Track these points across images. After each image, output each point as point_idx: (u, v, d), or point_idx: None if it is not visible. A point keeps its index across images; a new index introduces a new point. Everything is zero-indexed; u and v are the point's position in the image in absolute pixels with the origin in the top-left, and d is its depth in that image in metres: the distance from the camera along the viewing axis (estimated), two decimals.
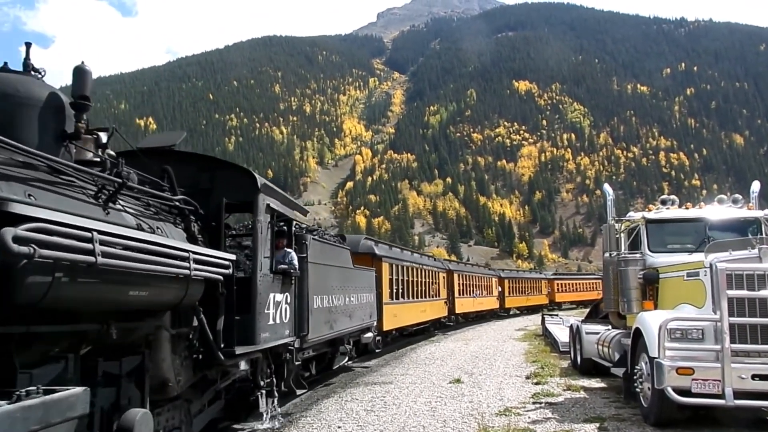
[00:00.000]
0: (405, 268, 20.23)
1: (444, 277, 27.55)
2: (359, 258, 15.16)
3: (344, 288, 12.35)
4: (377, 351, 16.55)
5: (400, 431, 7.66)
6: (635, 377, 8.20)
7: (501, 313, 41.10)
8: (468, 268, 35.65)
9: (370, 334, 15.05)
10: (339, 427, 8.00)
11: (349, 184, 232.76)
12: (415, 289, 21.36)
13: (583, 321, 14.04)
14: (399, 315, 19.00)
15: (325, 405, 9.75)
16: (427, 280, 23.36)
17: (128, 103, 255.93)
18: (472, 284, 33.16)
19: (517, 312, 44.84)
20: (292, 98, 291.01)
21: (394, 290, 18.64)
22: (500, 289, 40.12)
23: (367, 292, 14.66)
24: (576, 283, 58.35)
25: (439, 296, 25.90)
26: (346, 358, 13.49)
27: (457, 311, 29.86)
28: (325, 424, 8.20)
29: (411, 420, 8.29)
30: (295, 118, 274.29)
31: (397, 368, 14.42)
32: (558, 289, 52.10)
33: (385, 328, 17.18)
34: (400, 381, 12.18)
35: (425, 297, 23.02)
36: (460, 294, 30.23)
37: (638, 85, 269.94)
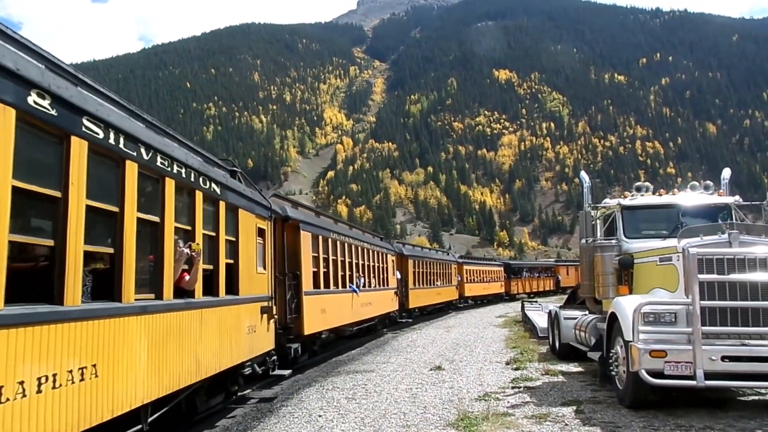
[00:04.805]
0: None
1: (310, 238, 12.63)
2: None
3: None
4: None
5: (380, 418, 7.72)
6: (611, 361, 8.35)
7: (402, 319, 23.96)
8: (343, 230, 16.45)
9: None
10: (320, 416, 8.01)
11: (331, 174, 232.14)
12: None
13: (561, 307, 14.26)
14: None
15: (306, 393, 9.77)
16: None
17: None
18: (354, 264, 16.34)
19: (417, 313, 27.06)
20: (272, 87, 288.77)
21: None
22: (399, 276, 23.33)
23: None
24: (483, 272, 42.21)
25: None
26: None
27: (305, 332, 11.94)
28: (306, 413, 8.21)
29: (392, 407, 8.36)
30: (274, 107, 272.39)
31: (379, 356, 14.52)
32: (468, 279, 37.44)
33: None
34: (382, 369, 12.25)
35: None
36: (317, 285, 13.09)
37: (615, 75, 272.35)
